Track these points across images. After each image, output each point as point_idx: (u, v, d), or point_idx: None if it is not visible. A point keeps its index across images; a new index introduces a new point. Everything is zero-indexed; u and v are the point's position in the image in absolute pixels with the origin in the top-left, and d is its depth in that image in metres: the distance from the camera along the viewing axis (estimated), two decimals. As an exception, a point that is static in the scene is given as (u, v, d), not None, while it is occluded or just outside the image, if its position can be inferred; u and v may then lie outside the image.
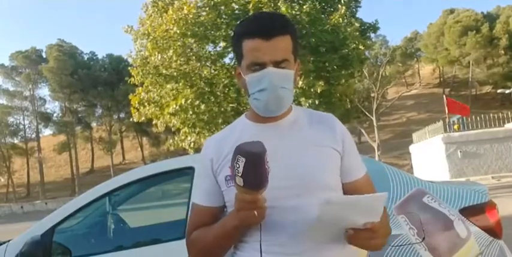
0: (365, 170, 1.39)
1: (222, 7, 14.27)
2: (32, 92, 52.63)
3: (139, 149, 57.43)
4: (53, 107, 78.30)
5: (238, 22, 1.40)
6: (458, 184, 3.13)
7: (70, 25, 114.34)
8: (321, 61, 14.08)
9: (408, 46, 56.51)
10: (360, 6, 16.50)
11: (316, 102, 13.55)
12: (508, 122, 24.34)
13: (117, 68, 48.36)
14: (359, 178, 1.36)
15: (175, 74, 13.56)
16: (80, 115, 53.79)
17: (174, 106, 13.26)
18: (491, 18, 47.95)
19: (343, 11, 14.23)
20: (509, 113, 24.85)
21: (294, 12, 13.43)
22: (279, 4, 13.47)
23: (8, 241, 2.73)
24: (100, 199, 2.84)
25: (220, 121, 13.73)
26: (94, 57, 54.78)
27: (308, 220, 1.15)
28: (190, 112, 13.46)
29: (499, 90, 36.95)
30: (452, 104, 25.53)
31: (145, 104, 14.30)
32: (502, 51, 47.23)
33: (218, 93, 13.96)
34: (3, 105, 52.07)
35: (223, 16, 14.31)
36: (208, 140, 1.41)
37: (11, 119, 53.48)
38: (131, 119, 15.50)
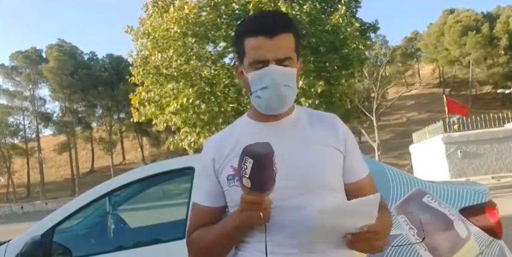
0: (368, 171, 1.38)
1: (223, 7, 14.28)
2: (32, 92, 52.64)
3: (139, 149, 57.44)
4: (53, 107, 78.37)
5: (238, 22, 1.40)
6: (458, 184, 3.13)
7: (70, 25, 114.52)
8: (321, 61, 14.09)
9: (408, 46, 56.51)
10: (360, 6, 16.52)
11: (317, 102, 13.56)
12: (508, 122, 24.34)
13: (117, 68, 48.38)
14: (361, 178, 1.35)
15: (175, 73, 13.57)
16: (80, 115, 53.80)
17: (175, 105, 13.26)
18: (491, 18, 47.96)
19: (343, 11, 14.24)
20: (509, 113, 24.85)
21: (294, 12, 13.44)
22: (279, 4, 13.48)
23: (8, 241, 2.73)
24: (100, 199, 2.84)
25: (220, 121, 13.73)
26: (94, 57, 54.81)
27: (310, 220, 1.14)
28: (191, 112, 13.47)
29: (499, 90, 36.95)
30: (452, 104, 25.54)
31: (146, 103, 14.30)
32: (502, 51, 47.24)
33: (218, 93, 13.97)
34: (3, 106, 52.09)
35: (224, 16, 14.32)
36: (209, 139, 1.41)
37: (11, 119, 53.53)
38: (131, 119, 15.52)
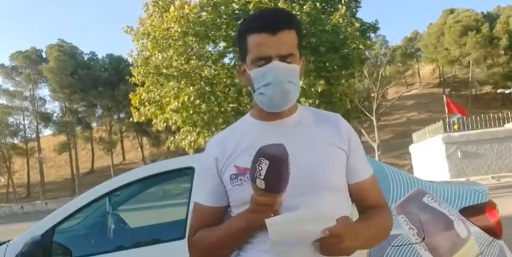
0: (371, 172, 1.36)
1: (222, 7, 14.29)
2: (32, 92, 52.65)
3: (139, 149, 57.43)
4: (53, 107, 78.34)
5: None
6: (458, 184, 3.13)
7: (70, 25, 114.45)
8: (322, 61, 14.10)
9: (408, 46, 56.50)
10: (360, 6, 16.54)
11: (317, 102, 13.57)
12: (508, 122, 24.34)
13: (118, 68, 48.39)
14: (364, 179, 1.33)
15: (175, 73, 13.58)
16: (80, 115, 53.81)
17: (176, 104, 13.26)
18: (491, 18, 47.96)
19: (343, 11, 14.25)
20: (509, 113, 24.85)
21: (294, 12, 13.44)
22: (279, 4, 13.49)
23: (8, 241, 2.73)
24: (100, 199, 2.84)
25: (220, 121, 13.74)
26: (94, 57, 54.83)
27: None
28: (191, 111, 13.47)
29: (499, 90, 36.95)
30: (452, 104, 25.54)
31: (146, 103, 14.31)
32: (502, 51, 47.24)
33: (218, 93, 13.97)
34: (3, 106, 52.10)
35: (224, 16, 14.32)
36: (211, 139, 1.40)
37: (11, 119, 53.54)
38: (131, 119, 15.51)
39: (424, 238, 2.40)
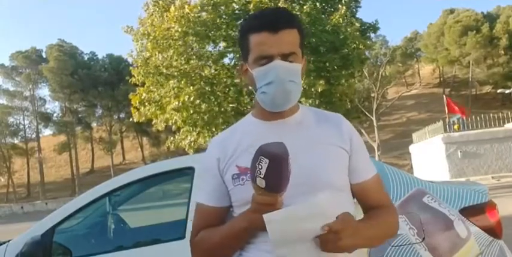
0: (374, 172, 1.35)
1: (223, 7, 14.29)
2: (32, 92, 52.64)
3: (139, 149, 57.43)
4: (53, 107, 78.30)
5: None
6: (458, 184, 3.13)
7: (70, 25, 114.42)
8: (322, 61, 14.10)
9: (408, 46, 56.48)
10: (360, 6, 16.54)
11: (317, 102, 13.57)
12: (508, 122, 24.34)
13: (117, 68, 48.37)
14: (367, 179, 1.33)
15: (175, 73, 13.58)
16: (80, 115, 53.80)
17: (176, 103, 13.26)
18: (491, 18, 47.95)
19: (343, 11, 14.25)
20: (509, 113, 24.86)
21: (294, 12, 13.44)
22: (279, 4, 13.49)
23: (8, 241, 2.73)
24: (100, 199, 2.84)
25: (220, 121, 13.74)
26: (94, 57, 54.84)
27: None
28: (191, 111, 13.47)
29: (499, 90, 36.95)
30: (452, 104, 25.54)
31: (146, 104, 14.31)
32: (502, 51, 47.23)
33: (219, 93, 13.97)
34: (3, 106, 52.09)
35: (224, 16, 14.32)
36: (213, 139, 1.40)
37: (11, 119, 53.52)
38: (131, 119, 15.50)
39: (424, 238, 2.40)
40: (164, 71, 13.61)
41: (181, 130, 14.72)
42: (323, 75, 14.27)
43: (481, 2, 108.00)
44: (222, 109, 13.82)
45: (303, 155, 1.23)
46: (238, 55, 13.94)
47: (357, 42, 14.31)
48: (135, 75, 14.12)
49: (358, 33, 14.70)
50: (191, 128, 14.30)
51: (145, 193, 3.51)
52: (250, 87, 1.33)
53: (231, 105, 14.01)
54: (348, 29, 14.22)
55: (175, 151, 33.04)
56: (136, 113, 14.56)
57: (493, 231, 2.54)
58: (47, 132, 56.88)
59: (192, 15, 13.45)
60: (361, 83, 37.53)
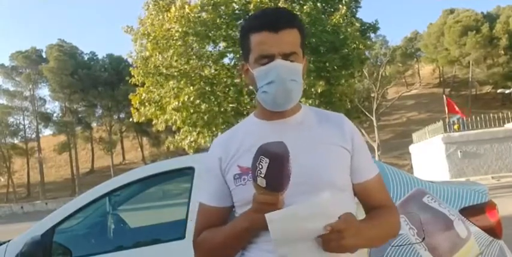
0: (376, 172, 1.35)
1: (223, 7, 14.29)
2: (32, 92, 52.64)
3: (139, 149, 57.43)
4: (53, 107, 78.43)
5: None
6: (458, 184, 3.13)
7: (70, 25, 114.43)
8: (322, 61, 14.10)
9: (408, 46, 56.48)
10: (360, 7, 16.53)
11: (317, 102, 13.57)
12: (508, 122, 24.34)
13: (117, 68, 48.36)
14: (369, 178, 1.33)
15: (175, 73, 13.58)
16: (80, 115, 53.81)
17: (176, 103, 13.27)
18: (491, 18, 47.95)
19: (343, 11, 14.25)
20: (509, 113, 24.85)
21: (294, 12, 13.45)
22: (279, 4, 13.49)
23: (8, 241, 2.73)
24: (100, 199, 2.84)
25: (220, 121, 13.73)
26: (94, 58, 54.84)
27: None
28: (191, 111, 13.47)
29: (499, 90, 36.95)
30: (452, 104, 25.55)
31: (146, 104, 14.30)
32: (502, 51, 47.23)
33: (219, 93, 13.97)
34: (3, 106, 52.08)
35: (224, 16, 14.32)
36: (215, 140, 1.41)
37: (11, 119, 53.52)
38: (131, 119, 15.50)
39: (424, 238, 2.40)
40: (164, 71, 13.62)
41: (181, 130, 14.71)
42: (323, 76, 14.27)
43: (481, 2, 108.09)
44: (222, 109, 13.81)
45: (305, 154, 1.24)
46: (238, 55, 13.94)
47: (357, 43, 14.32)
48: (135, 76, 14.12)
49: (358, 33, 14.70)
50: (191, 128, 14.30)
51: (145, 193, 3.51)
52: (250, 87, 1.34)
53: (231, 105, 14.01)
54: (348, 29, 14.22)
55: (175, 151, 33.03)
56: (136, 113, 14.56)
57: (493, 231, 2.54)
58: (47, 132, 57.00)
59: (193, 15, 13.45)
60: (361, 83, 37.54)
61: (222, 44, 14.78)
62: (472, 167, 23.04)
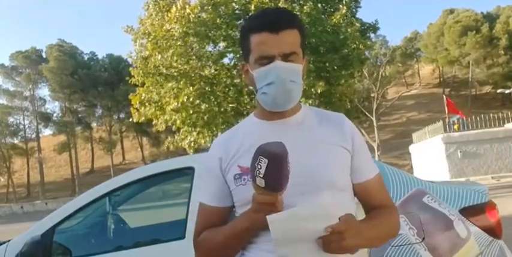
0: (376, 172, 1.36)
1: (223, 7, 14.29)
2: (32, 92, 52.64)
3: (139, 149, 57.42)
4: (53, 107, 78.38)
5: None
6: (458, 184, 3.13)
7: (70, 25, 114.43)
8: (321, 61, 14.10)
9: (408, 46, 56.47)
10: (360, 7, 16.52)
11: (316, 102, 13.57)
12: (508, 122, 24.34)
13: (117, 68, 48.35)
14: (369, 178, 1.33)
15: (175, 73, 13.58)
16: (80, 115, 53.80)
17: (176, 104, 13.27)
18: (491, 18, 47.94)
19: (343, 11, 14.25)
20: (509, 113, 24.85)
21: (294, 12, 13.45)
22: (279, 5, 13.49)
23: (8, 241, 2.73)
24: (100, 199, 2.84)
25: (220, 121, 13.73)
26: (94, 58, 54.83)
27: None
28: (191, 111, 13.47)
29: (499, 90, 36.95)
30: (452, 104, 25.56)
31: (146, 104, 14.31)
32: (502, 51, 47.21)
33: (218, 93, 13.97)
34: (3, 106, 52.08)
35: (224, 16, 14.32)
36: (216, 140, 1.41)
37: (11, 119, 53.51)
38: (131, 119, 15.50)
39: (424, 238, 2.40)
40: (164, 71, 13.62)
41: (181, 130, 14.72)
42: (323, 76, 14.28)
43: (481, 2, 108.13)
44: (222, 109, 13.82)
45: (305, 154, 1.24)
46: (238, 55, 13.94)
47: (356, 43, 14.32)
48: (135, 76, 14.12)
49: (358, 33, 14.70)
50: (191, 128, 14.30)
51: (145, 193, 3.51)
52: (250, 87, 1.33)
53: (230, 105, 14.01)
54: (348, 29, 14.23)
55: (175, 151, 33.02)
56: (136, 113, 14.56)
57: (493, 231, 2.53)
58: (47, 132, 57.00)
59: (193, 15, 13.45)
60: (361, 83, 37.56)
61: (222, 44, 14.78)
62: (472, 167, 23.04)
